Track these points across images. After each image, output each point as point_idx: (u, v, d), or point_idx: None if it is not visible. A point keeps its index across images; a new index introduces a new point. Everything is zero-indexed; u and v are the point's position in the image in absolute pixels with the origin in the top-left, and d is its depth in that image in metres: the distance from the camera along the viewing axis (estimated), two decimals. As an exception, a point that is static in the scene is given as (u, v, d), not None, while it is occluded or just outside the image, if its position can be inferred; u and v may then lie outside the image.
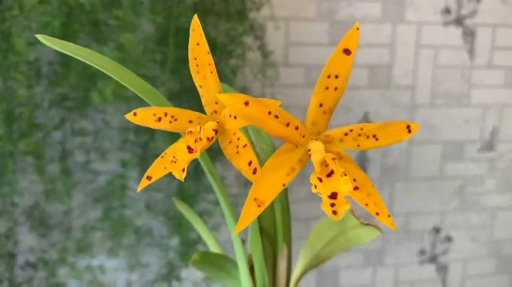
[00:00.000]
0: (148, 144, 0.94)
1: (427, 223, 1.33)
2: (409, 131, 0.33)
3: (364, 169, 1.24)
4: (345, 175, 0.30)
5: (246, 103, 0.30)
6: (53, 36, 0.77)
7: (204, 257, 0.43)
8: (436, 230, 1.34)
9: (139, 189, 0.35)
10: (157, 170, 0.35)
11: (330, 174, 0.30)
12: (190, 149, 0.33)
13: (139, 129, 0.93)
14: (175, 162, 0.33)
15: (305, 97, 1.17)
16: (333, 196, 0.29)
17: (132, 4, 0.77)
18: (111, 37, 0.78)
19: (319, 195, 0.29)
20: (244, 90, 1.03)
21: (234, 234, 0.32)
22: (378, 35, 1.18)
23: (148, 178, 0.35)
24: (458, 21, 1.22)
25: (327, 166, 0.30)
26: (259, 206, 0.31)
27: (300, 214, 1.18)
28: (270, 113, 0.30)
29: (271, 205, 0.42)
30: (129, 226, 0.96)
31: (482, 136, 1.30)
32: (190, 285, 1.03)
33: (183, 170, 0.33)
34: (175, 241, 0.99)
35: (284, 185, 0.32)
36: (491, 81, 1.27)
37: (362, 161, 1.24)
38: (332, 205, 0.29)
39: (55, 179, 0.92)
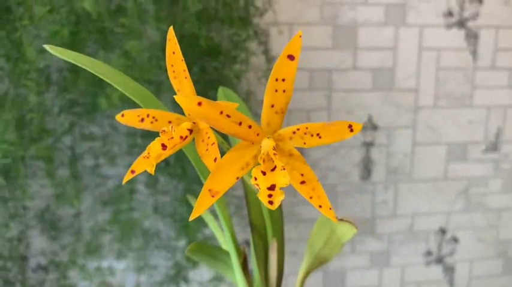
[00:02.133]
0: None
1: (433, 224, 1.34)
2: (351, 131, 0.35)
3: (369, 171, 1.26)
4: (284, 169, 0.32)
5: (199, 103, 0.32)
6: (62, 44, 0.80)
7: (199, 247, 0.45)
8: (442, 231, 1.35)
9: (124, 181, 0.38)
10: (140, 164, 0.39)
11: (274, 169, 0.33)
12: (164, 146, 0.35)
13: (147, 134, 0.95)
14: (148, 158, 0.36)
15: (309, 101, 1.19)
16: (272, 187, 0.32)
17: (137, 12, 0.79)
18: (118, 44, 0.80)
19: (257, 187, 0.32)
20: (248, 94, 1.05)
21: (190, 219, 0.35)
22: (380, 39, 1.19)
23: (133, 171, 0.38)
24: (461, 24, 1.23)
25: (273, 162, 0.33)
26: (213, 196, 0.34)
27: (304, 215, 1.19)
28: (221, 112, 0.33)
29: (260, 202, 0.44)
30: (137, 228, 0.99)
31: (487, 137, 1.31)
32: (198, 286, 1.05)
33: (153, 165, 0.36)
34: (182, 243, 1.01)
35: (238, 178, 0.35)
36: (494, 83, 1.28)
37: (366, 163, 1.25)
38: (269, 195, 0.32)
39: (65, 183, 0.94)
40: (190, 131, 0.36)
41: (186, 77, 0.38)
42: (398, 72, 1.22)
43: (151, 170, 0.35)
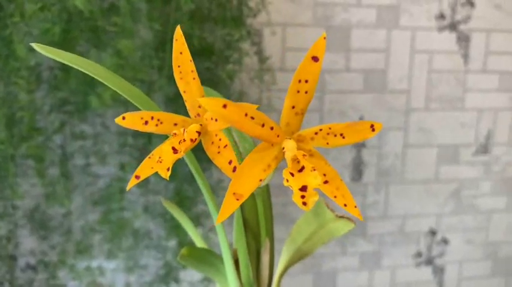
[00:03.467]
0: (146, 147, 0.95)
1: (423, 226, 1.35)
2: (373, 130, 0.36)
3: (360, 172, 1.26)
4: (314, 169, 0.33)
5: (224, 106, 0.33)
6: (53, 42, 0.79)
7: (192, 251, 0.45)
8: (432, 232, 1.35)
9: (128, 187, 0.37)
10: (144, 169, 0.38)
11: (301, 169, 0.33)
12: (175, 150, 0.35)
13: (137, 134, 0.95)
14: (160, 162, 0.36)
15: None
16: (303, 188, 0.32)
17: (130, 11, 0.79)
18: (110, 43, 0.80)
19: (291, 188, 0.32)
20: (241, 95, 1.05)
21: (216, 224, 0.35)
22: (373, 40, 1.20)
23: (137, 177, 0.38)
24: (453, 27, 1.24)
25: (298, 162, 0.33)
26: (237, 199, 0.34)
27: (294, 215, 1.19)
28: (246, 114, 0.33)
29: (254, 202, 0.45)
30: (128, 228, 0.98)
31: (477, 140, 1.32)
32: (188, 286, 1.05)
33: (168, 169, 0.35)
34: (173, 243, 1.01)
35: (261, 180, 0.34)
36: (485, 86, 1.29)
37: (358, 165, 1.25)
38: (302, 196, 0.32)
39: (55, 182, 0.93)
40: (199, 133, 0.36)
41: (194, 78, 0.37)
42: (391, 74, 1.23)
43: (165, 175, 0.35)
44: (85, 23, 0.78)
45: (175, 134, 0.36)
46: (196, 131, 0.36)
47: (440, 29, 1.23)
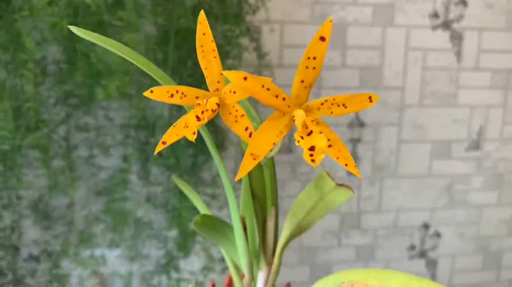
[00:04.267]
0: (149, 140, 0.98)
1: (417, 220, 1.38)
2: (371, 101, 0.40)
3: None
4: (321, 133, 0.38)
5: (245, 78, 0.38)
6: (61, 35, 0.82)
7: (205, 219, 0.49)
8: (425, 226, 1.39)
9: (156, 151, 0.42)
10: (171, 136, 0.43)
11: (309, 133, 0.38)
12: (198, 118, 0.41)
13: (140, 126, 0.98)
14: (187, 127, 0.41)
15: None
16: (312, 148, 0.37)
17: (135, 6, 0.82)
18: (115, 37, 0.82)
19: (301, 147, 0.38)
20: (240, 89, 1.08)
21: (236, 180, 0.40)
22: (368, 38, 1.23)
23: (164, 143, 0.43)
24: (446, 25, 1.28)
25: (307, 128, 0.38)
26: (254, 159, 0.39)
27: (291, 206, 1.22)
28: (263, 86, 0.39)
29: (261, 174, 0.48)
30: (130, 218, 1.01)
31: (470, 136, 1.35)
32: (188, 275, 1.08)
33: (194, 133, 0.40)
34: (174, 233, 1.04)
35: (274, 143, 0.40)
36: (477, 83, 1.33)
37: (353, 159, 1.28)
38: (311, 155, 0.37)
39: (59, 173, 0.96)
40: (218, 105, 0.41)
41: (215, 57, 0.42)
42: (386, 71, 1.26)
43: (192, 137, 0.40)
44: (91, 17, 0.80)
45: (198, 104, 0.41)
46: (216, 103, 0.41)
47: (434, 27, 1.27)
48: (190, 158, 1.00)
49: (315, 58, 0.38)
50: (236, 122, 0.42)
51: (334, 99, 0.40)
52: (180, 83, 0.90)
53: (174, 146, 0.94)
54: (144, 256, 1.05)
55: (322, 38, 0.37)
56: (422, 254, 1.41)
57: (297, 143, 0.38)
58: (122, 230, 1.01)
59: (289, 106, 0.40)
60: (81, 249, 1.05)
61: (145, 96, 0.45)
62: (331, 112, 0.40)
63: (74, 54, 0.85)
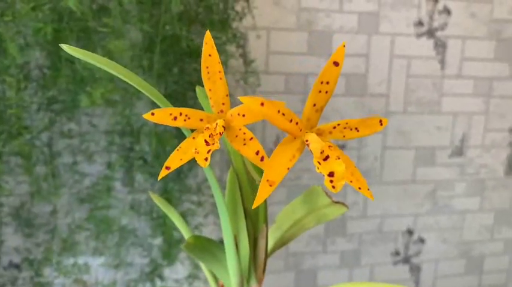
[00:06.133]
0: (133, 147, 0.97)
1: (401, 225, 1.39)
2: (381, 124, 0.41)
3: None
4: (339, 158, 0.38)
5: (262, 104, 0.38)
6: (44, 41, 0.81)
7: (197, 240, 0.48)
8: (410, 232, 1.40)
9: (159, 177, 0.41)
10: (174, 161, 0.42)
11: (326, 158, 0.38)
12: (207, 143, 0.40)
13: (125, 133, 0.97)
14: (198, 153, 0.40)
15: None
16: (331, 174, 0.38)
17: (120, 12, 0.81)
18: (100, 44, 0.82)
19: (322, 174, 0.38)
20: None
21: (253, 207, 0.40)
22: (354, 45, 1.24)
23: (167, 168, 0.42)
24: (430, 33, 1.29)
25: (322, 152, 0.38)
26: (271, 185, 0.39)
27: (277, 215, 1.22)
28: (279, 111, 0.39)
29: (254, 193, 0.48)
30: (114, 225, 0.99)
31: (453, 142, 1.37)
32: (173, 283, 1.07)
33: (206, 159, 0.40)
34: (158, 240, 1.03)
35: (288, 168, 0.40)
36: (460, 90, 1.34)
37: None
38: (331, 181, 0.37)
39: (42, 180, 0.94)
40: (224, 127, 0.41)
41: (221, 78, 0.41)
42: (371, 79, 1.27)
43: (204, 164, 0.39)
44: (76, 24, 0.79)
45: (207, 128, 0.40)
46: (222, 126, 0.41)
47: (419, 35, 1.28)
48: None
49: (327, 83, 0.38)
50: (245, 145, 0.41)
51: (346, 123, 0.40)
52: (165, 91, 0.90)
53: (158, 153, 0.93)
54: (128, 264, 1.04)
55: (336, 63, 0.37)
56: (406, 260, 1.42)
57: (317, 170, 0.38)
58: (105, 238, 1.00)
59: (301, 130, 0.40)
60: (64, 257, 1.03)
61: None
62: (344, 136, 0.40)
63: (58, 60, 0.83)
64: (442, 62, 1.32)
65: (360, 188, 0.41)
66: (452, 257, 1.46)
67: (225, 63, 1.01)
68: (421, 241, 1.42)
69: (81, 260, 1.06)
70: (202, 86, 0.57)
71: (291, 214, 0.51)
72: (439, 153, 1.37)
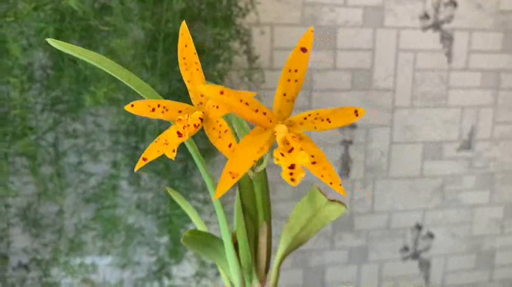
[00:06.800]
0: (138, 145, 0.97)
1: (409, 221, 1.38)
2: (357, 115, 0.38)
3: (348, 168, 1.29)
4: (302, 150, 0.36)
5: (221, 92, 0.36)
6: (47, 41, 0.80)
7: (194, 234, 0.48)
8: (418, 227, 1.39)
9: (136, 168, 0.40)
10: (151, 152, 0.41)
11: (291, 150, 0.36)
12: (179, 134, 0.39)
13: (130, 132, 0.96)
14: (167, 144, 0.39)
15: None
16: (292, 166, 0.35)
17: (122, 11, 0.80)
18: (103, 42, 0.81)
19: (280, 166, 0.35)
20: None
21: (214, 199, 0.39)
22: (359, 40, 1.23)
23: (144, 159, 0.41)
24: (436, 26, 1.27)
25: (288, 144, 0.36)
26: (233, 177, 0.37)
27: (284, 212, 1.22)
28: (241, 100, 0.37)
29: (252, 189, 0.47)
30: (121, 225, 0.99)
31: (461, 136, 1.35)
32: (181, 282, 1.07)
33: (174, 150, 0.39)
34: (165, 239, 1.03)
35: (254, 161, 0.38)
36: (468, 83, 1.33)
37: (346, 162, 1.28)
38: (291, 173, 0.35)
39: (48, 180, 0.94)
40: (201, 119, 0.40)
41: (197, 69, 0.41)
42: (376, 73, 1.26)
43: (171, 155, 0.38)
44: (78, 23, 0.79)
45: (180, 119, 0.39)
46: (199, 118, 0.40)
47: (424, 28, 1.27)
48: (182, 164, 0.99)
49: (296, 71, 0.36)
50: (220, 138, 0.40)
51: (317, 113, 0.38)
52: (169, 89, 0.90)
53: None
54: (135, 263, 1.04)
55: (304, 49, 0.36)
56: (416, 255, 1.41)
57: (276, 162, 0.36)
58: (112, 237, 1.00)
59: (271, 121, 0.38)
60: (71, 257, 1.03)
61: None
62: (315, 127, 0.38)
63: (61, 60, 0.83)
64: (449, 55, 1.30)
65: (331, 183, 0.39)
66: (462, 252, 1.44)
67: (229, 60, 1.00)
68: (430, 236, 1.40)
69: (88, 260, 1.06)
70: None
71: (302, 215, 0.49)
72: (447, 147, 1.35)
